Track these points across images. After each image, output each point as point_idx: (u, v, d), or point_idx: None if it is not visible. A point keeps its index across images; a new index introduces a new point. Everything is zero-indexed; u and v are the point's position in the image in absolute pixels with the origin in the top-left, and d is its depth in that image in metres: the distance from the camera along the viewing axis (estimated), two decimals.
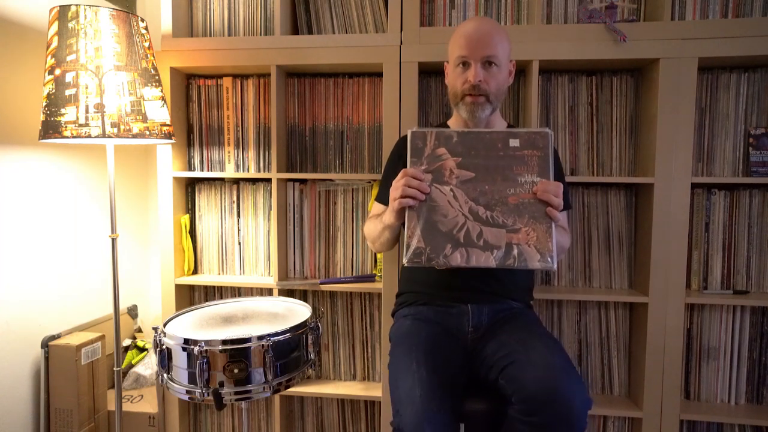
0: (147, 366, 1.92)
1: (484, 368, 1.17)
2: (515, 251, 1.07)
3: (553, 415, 0.96)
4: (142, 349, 1.95)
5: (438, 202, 1.11)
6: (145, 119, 1.41)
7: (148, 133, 1.42)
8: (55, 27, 1.35)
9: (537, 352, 1.07)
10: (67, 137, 1.33)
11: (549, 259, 1.06)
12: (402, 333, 1.25)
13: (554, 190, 1.08)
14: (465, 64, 1.26)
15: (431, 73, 1.73)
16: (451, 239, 1.09)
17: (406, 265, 1.09)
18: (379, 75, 1.72)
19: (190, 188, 1.85)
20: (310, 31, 1.77)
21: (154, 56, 1.49)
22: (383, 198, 1.42)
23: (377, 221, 1.29)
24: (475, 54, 1.23)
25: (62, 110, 1.33)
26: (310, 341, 1.32)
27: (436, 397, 1.02)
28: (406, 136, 1.46)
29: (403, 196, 1.09)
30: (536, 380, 1.00)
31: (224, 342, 1.19)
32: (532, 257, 1.07)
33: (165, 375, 1.25)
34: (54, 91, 1.33)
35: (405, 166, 1.37)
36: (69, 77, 1.33)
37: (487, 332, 1.25)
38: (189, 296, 1.87)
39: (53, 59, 1.34)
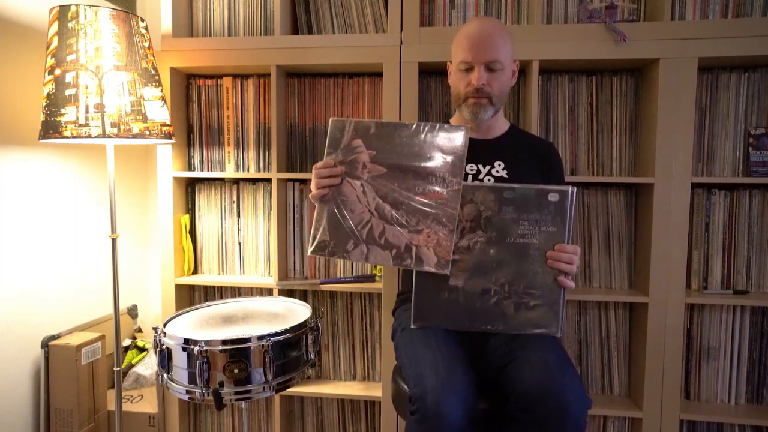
0: (147, 366, 1.92)
1: (485, 365, 1.18)
2: (413, 252, 1.09)
3: (547, 412, 0.96)
4: (142, 349, 1.95)
5: (347, 196, 1.12)
6: (145, 119, 1.41)
7: (148, 133, 1.42)
8: (55, 27, 1.35)
9: (534, 350, 1.07)
10: (67, 137, 1.33)
11: (445, 263, 1.07)
12: None
13: (567, 257, 1.06)
14: (468, 69, 1.26)
15: (431, 73, 1.73)
16: (354, 235, 1.12)
17: (309, 254, 1.14)
18: (379, 75, 1.72)
19: (190, 188, 1.85)
20: (310, 31, 1.77)
21: (154, 56, 1.49)
22: None
23: None
24: (478, 58, 1.23)
25: (62, 110, 1.33)
26: (310, 341, 1.32)
27: (459, 372, 1.03)
28: None
29: (316, 189, 1.13)
30: (531, 378, 1.00)
31: (224, 342, 1.19)
32: (429, 260, 1.08)
33: (165, 375, 1.25)
34: (54, 91, 1.33)
35: None
36: (69, 77, 1.33)
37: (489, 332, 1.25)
38: (189, 296, 1.87)
39: (53, 59, 1.34)
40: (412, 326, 1.12)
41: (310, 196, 1.15)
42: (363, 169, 1.12)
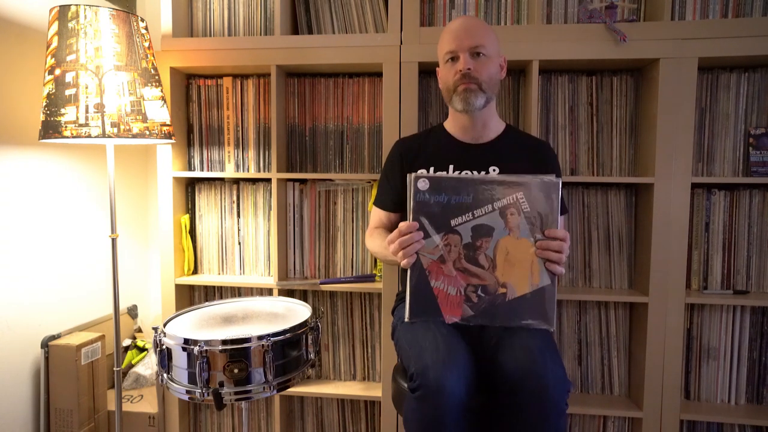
0: (147, 366, 1.92)
1: (479, 357, 1.18)
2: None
3: (528, 393, 0.98)
4: (142, 349, 1.95)
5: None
6: (145, 119, 1.41)
7: (148, 133, 1.42)
8: (55, 27, 1.35)
9: (518, 335, 1.08)
10: (67, 137, 1.33)
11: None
12: None
13: (556, 245, 1.07)
14: (454, 59, 1.28)
15: (431, 73, 1.73)
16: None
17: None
18: (379, 75, 1.72)
19: (190, 188, 1.85)
20: (310, 31, 1.77)
21: (154, 56, 1.49)
22: (381, 202, 1.42)
23: (384, 250, 1.28)
24: (462, 45, 1.25)
25: (62, 110, 1.33)
26: (310, 341, 1.32)
27: (458, 347, 1.04)
28: (403, 139, 1.47)
29: (404, 258, 1.10)
30: (514, 362, 1.02)
31: (224, 342, 1.19)
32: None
33: (165, 375, 1.25)
34: (54, 91, 1.33)
35: (402, 173, 1.38)
36: (69, 77, 1.33)
37: (486, 327, 1.25)
38: (189, 296, 1.87)
39: (53, 59, 1.34)
40: (407, 320, 1.13)
41: (403, 263, 1.11)
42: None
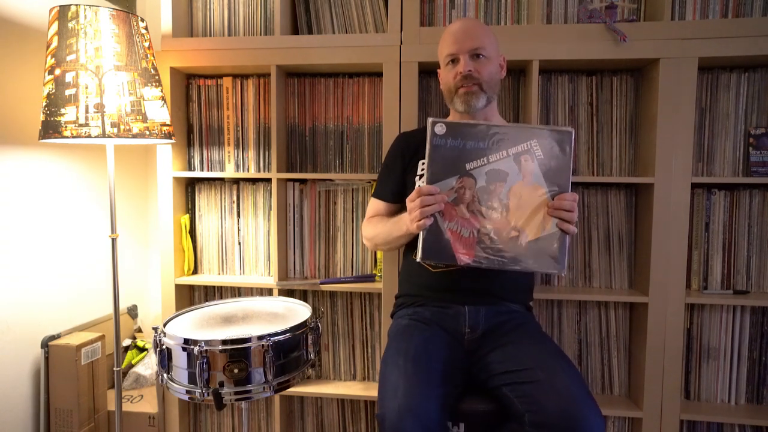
0: (147, 366, 1.92)
1: (485, 374, 1.17)
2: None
3: None
4: (142, 349, 1.95)
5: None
6: (145, 119, 1.41)
7: (148, 133, 1.42)
8: (55, 27, 1.35)
9: (558, 376, 1.06)
10: (67, 137, 1.33)
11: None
12: (397, 331, 1.27)
13: (568, 205, 1.09)
14: (454, 61, 1.28)
15: (431, 73, 1.73)
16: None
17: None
18: (379, 75, 1.72)
19: (190, 188, 1.85)
20: (310, 31, 1.77)
21: (154, 56, 1.49)
22: (380, 194, 1.43)
23: (392, 226, 1.28)
24: (462, 47, 1.26)
25: (62, 110, 1.33)
26: (310, 341, 1.32)
27: (420, 393, 1.03)
28: (405, 133, 1.47)
29: (421, 218, 1.10)
30: (558, 408, 0.99)
31: (224, 342, 1.19)
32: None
33: (165, 375, 1.25)
34: (54, 91, 1.33)
35: (403, 165, 1.39)
36: (69, 77, 1.33)
37: (487, 335, 1.24)
38: (189, 296, 1.87)
39: (53, 59, 1.34)
40: (418, 260, 1.12)
41: (414, 226, 1.11)
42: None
